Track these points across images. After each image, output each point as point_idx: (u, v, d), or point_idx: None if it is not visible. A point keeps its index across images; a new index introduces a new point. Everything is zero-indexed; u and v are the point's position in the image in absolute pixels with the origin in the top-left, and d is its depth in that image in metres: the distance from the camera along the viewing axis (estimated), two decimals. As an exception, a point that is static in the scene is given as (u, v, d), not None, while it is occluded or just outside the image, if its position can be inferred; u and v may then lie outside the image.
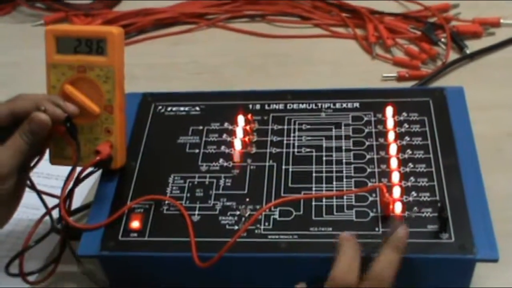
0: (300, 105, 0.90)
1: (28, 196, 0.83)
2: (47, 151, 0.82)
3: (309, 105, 0.89)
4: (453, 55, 1.16)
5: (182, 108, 0.91)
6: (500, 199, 0.85)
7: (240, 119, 0.88)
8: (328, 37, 1.26)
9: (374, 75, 1.13)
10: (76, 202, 0.89)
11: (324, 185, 0.80)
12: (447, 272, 0.74)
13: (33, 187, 0.82)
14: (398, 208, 0.75)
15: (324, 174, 0.81)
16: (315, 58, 1.21)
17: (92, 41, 0.80)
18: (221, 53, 1.24)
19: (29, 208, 0.89)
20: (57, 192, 0.80)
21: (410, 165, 0.80)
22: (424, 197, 0.77)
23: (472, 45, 1.17)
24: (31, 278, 0.81)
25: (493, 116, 1.02)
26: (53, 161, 0.83)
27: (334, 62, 1.19)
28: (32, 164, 0.81)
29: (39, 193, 0.83)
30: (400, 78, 1.12)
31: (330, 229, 0.75)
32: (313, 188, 0.79)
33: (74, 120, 0.79)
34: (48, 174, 0.96)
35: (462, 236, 0.72)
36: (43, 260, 0.85)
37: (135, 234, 0.77)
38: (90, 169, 0.80)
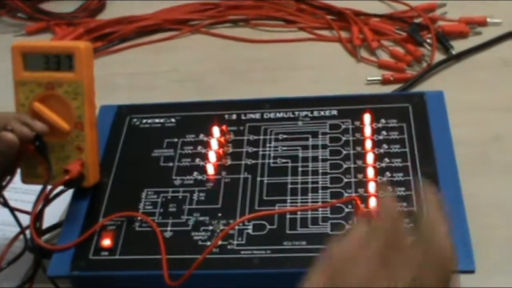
0: (277, 114, 0.88)
1: (4, 213, 0.81)
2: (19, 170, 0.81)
3: (286, 114, 0.88)
4: (439, 56, 1.14)
5: (157, 120, 0.89)
6: (483, 205, 0.84)
7: (215, 130, 0.86)
8: (313, 40, 1.24)
9: (359, 79, 1.11)
10: (54, 218, 0.88)
11: (299, 196, 0.78)
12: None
13: (6, 204, 0.81)
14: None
15: (299, 186, 0.79)
16: (300, 62, 1.19)
17: (59, 57, 0.78)
18: (204, 60, 1.22)
19: (5, 225, 0.88)
20: (34, 208, 0.79)
21: (388, 174, 0.79)
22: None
23: (459, 45, 1.15)
24: (3, 299, 0.80)
25: (479, 119, 1.00)
26: (25, 180, 0.82)
27: (319, 66, 1.17)
28: (4, 183, 0.80)
29: (13, 210, 0.81)
30: (385, 82, 1.10)
31: (304, 243, 0.73)
32: (288, 200, 0.78)
33: (44, 138, 0.78)
34: (26, 189, 0.94)
35: (438, 247, 0.71)
36: (20, 278, 0.84)
37: (106, 253, 0.75)
38: (60, 188, 0.79)
